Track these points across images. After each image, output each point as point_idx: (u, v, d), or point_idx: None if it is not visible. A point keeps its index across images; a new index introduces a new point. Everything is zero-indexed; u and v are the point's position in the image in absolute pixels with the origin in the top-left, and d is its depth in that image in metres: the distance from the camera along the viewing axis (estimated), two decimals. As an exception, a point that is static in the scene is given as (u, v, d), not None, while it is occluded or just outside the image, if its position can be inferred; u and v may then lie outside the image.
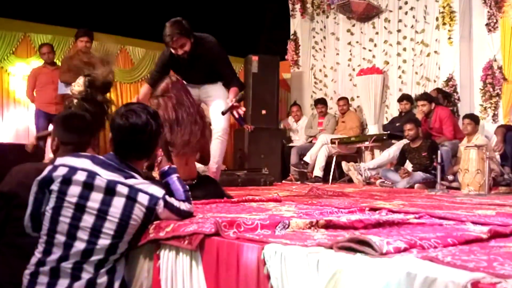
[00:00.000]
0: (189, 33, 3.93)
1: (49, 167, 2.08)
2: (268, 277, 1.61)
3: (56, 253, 1.96)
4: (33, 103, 6.31)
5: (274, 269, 1.59)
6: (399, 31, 7.82)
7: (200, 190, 3.50)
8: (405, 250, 1.53)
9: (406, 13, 7.74)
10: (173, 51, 3.96)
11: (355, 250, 1.51)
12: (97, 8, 7.36)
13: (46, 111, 5.85)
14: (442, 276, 1.19)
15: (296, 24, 9.02)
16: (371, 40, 8.18)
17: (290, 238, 1.79)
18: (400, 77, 7.81)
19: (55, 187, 2.01)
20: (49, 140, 3.50)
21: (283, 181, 7.21)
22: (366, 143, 7.00)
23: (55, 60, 6.50)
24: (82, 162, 2.07)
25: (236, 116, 3.94)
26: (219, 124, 4.12)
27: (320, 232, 2.00)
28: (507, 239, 1.96)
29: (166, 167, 2.44)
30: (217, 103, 4.14)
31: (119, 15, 7.54)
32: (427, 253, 1.44)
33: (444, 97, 6.71)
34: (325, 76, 8.81)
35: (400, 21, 7.82)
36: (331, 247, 1.57)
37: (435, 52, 7.30)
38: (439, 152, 5.35)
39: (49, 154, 3.29)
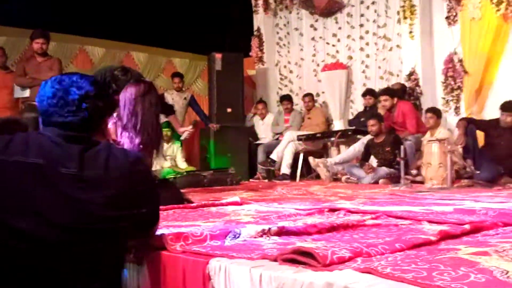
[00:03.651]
0: None
1: None
2: (213, 292, 1.57)
3: None
4: None
5: (219, 284, 1.55)
6: (361, 25, 7.84)
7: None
8: (349, 259, 1.51)
9: (368, 7, 7.76)
10: None
11: (299, 262, 1.48)
12: (53, 7, 7.17)
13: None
14: (379, 291, 1.17)
15: (259, 20, 8.95)
16: (334, 35, 8.18)
17: (238, 250, 1.75)
18: (364, 71, 7.83)
19: None
20: None
21: (251, 180, 7.18)
22: (332, 139, 7.02)
23: (8, 64, 6.29)
24: None
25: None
26: None
27: (272, 240, 1.97)
28: (458, 239, 1.97)
29: None
30: None
31: (76, 14, 7.36)
32: (370, 263, 1.42)
33: (404, 90, 6.79)
34: (290, 72, 8.79)
35: (362, 15, 7.84)
36: (275, 260, 1.54)
37: (397, 46, 7.35)
38: (402, 147, 5.40)
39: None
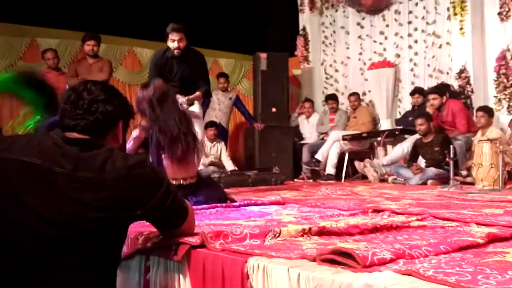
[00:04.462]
0: (187, 35, 4.62)
1: None
2: (252, 291, 1.56)
3: None
4: None
5: (257, 283, 1.55)
6: (410, 22, 7.68)
7: (202, 194, 3.48)
8: (391, 261, 1.47)
9: (416, 4, 7.59)
10: (170, 43, 4.57)
11: (338, 263, 1.45)
12: (103, 10, 7.36)
13: (52, 117, 5.84)
14: (420, 294, 1.13)
15: (305, 19, 8.90)
16: (381, 33, 8.03)
17: (278, 249, 1.74)
18: (412, 70, 7.66)
19: None
20: None
21: (295, 180, 7.14)
22: (379, 139, 6.89)
23: (60, 66, 6.50)
24: None
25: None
26: None
27: (312, 240, 1.95)
28: (507, 242, 1.89)
29: None
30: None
31: (126, 16, 7.52)
32: (412, 265, 1.38)
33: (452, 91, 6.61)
34: (336, 71, 8.70)
35: (410, 12, 7.67)
36: (314, 260, 1.52)
37: (447, 43, 7.15)
38: (451, 146, 5.24)
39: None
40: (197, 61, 4.73)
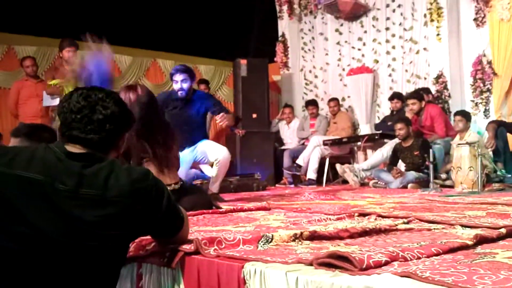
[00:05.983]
0: (193, 76, 4.56)
1: None
2: (249, 296, 1.57)
3: None
4: (15, 118, 6.23)
5: (254, 288, 1.55)
6: (387, 29, 7.80)
7: (188, 201, 3.47)
8: (386, 263, 1.49)
9: (394, 10, 7.72)
10: (174, 84, 4.50)
11: (335, 266, 1.47)
12: (81, 17, 7.31)
13: (32, 125, 5.74)
14: (420, 295, 1.15)
15: (284, 25, 8.98)
16: (359, 39, 8.15)
17: (272, 254, 1.74)
18: (390, 75, 7.78)
19: None
20: None
21: (277, 185, 7.17)
22: (359, 143, 6.97)
23: (38, 73, 6.41)
24: None
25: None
26: (221, 154, 4.55)
27: (304, 245, 1.96)
28: (494, 243, 1.93)
29: None
30: (213, 148, 4.65)
31: (104, 23, 7.49)
32: (407, 268, 1.40)
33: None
34: (315, 77, 8.78)
35: (388, 19, 7.80)
36: (311, 263, 1.53)
37: (424, 49, 7.28)
38: (430, 150, 5.33)
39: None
40: (203, 99, 4.69)
